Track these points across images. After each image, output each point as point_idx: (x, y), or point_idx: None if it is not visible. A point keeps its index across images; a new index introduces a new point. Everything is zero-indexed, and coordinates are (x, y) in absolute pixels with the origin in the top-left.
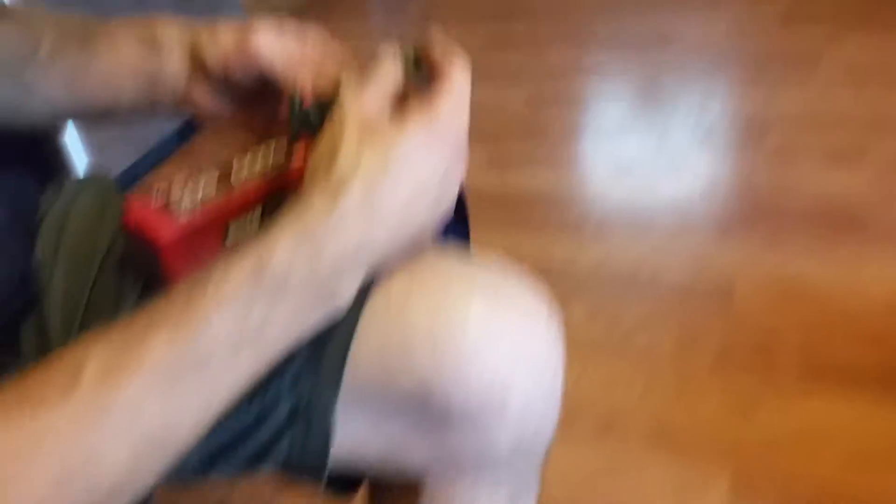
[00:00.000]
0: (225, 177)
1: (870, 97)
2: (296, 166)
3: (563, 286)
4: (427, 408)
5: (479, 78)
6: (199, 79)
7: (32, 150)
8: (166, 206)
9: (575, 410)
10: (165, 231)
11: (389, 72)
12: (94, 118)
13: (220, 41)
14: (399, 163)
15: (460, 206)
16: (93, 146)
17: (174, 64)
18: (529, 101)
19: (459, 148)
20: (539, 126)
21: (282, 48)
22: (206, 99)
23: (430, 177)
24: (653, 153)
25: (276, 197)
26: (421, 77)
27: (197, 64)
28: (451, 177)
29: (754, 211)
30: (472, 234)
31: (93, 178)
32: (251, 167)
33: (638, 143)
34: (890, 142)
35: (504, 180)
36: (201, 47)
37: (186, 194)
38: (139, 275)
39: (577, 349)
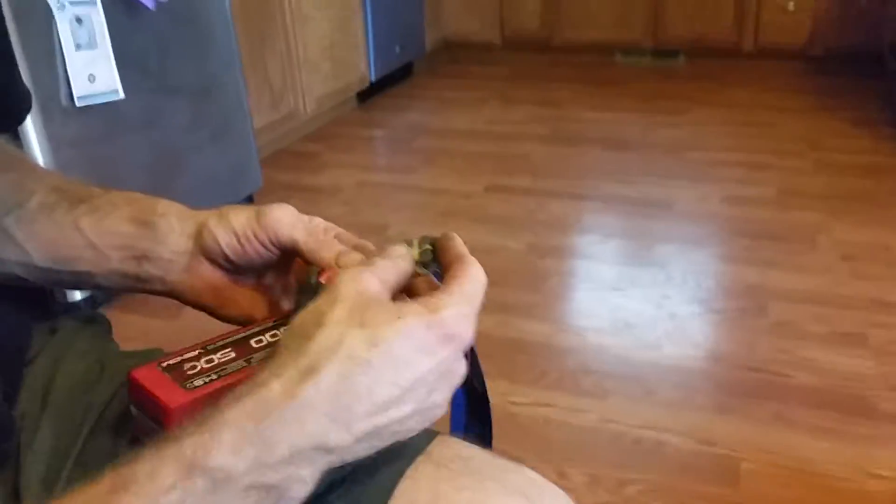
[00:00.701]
0: (242, 350)
1: (867, 278)
2: None
3: (562, 446)
4: None
5: (479, 221)
6: (201, 261)
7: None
8: (178, 373)
9: None
10: (176, 396)
11: (399, 257)
12: (71, 282)
13: (232, 221)
14: (385, 356)
15: (482, 403)
16: None
17: (167, 249)
18: (530, 249)
19: (459, 355)
20: (539, 274)
21: (302, 223)
22: (209, 274)
23: (418, 382)
24: (653, 313)
25: None
26: (433, 272)
27: (199, 248)
28: (442, 387)
29: (759, 386)
30: None
31: (86, 321)
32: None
33: (638, 301)
34: (892, 325)
35: (502, 327)
36: (209, 230)
37: (201, 364)
38: (138, 438)
39: None
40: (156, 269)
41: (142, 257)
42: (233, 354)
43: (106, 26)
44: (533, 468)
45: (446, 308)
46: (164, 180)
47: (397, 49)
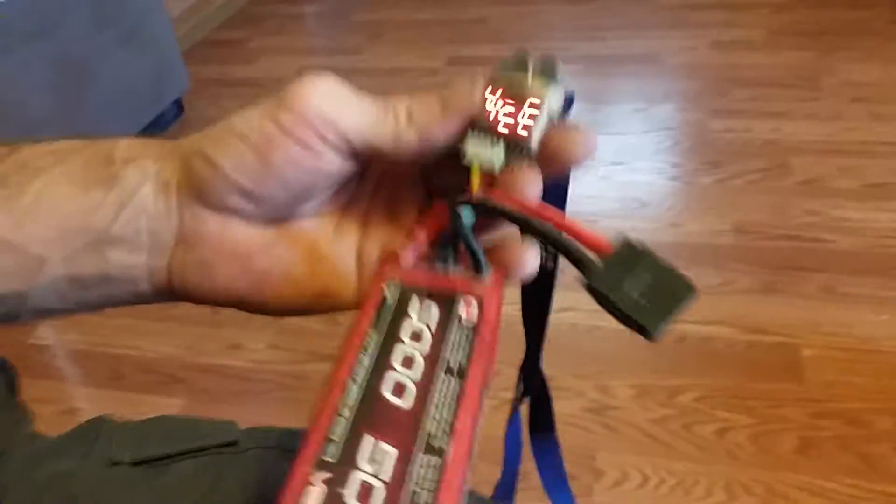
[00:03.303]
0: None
1: (885, 120)
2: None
3: (596, 356)
4: None
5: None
6: (204, 218)
7: None
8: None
9: None
10: None
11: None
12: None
13: (237, 127)
14: None
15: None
16: None
17: (145, 214)
18: None
19: None
20: None
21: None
22: (222, 233)
23: None
24: (666, 185)
25: None
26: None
27: (194, 192)
28: None
29: (799, 256)
30: None
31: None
32: None
33: (647, 174)
34: None
35: None
36: (202, 156)
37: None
38: None
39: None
40: (132, 255)
41: (104, 242)
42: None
43: None
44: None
45: None
46: (71, 99)
47: None
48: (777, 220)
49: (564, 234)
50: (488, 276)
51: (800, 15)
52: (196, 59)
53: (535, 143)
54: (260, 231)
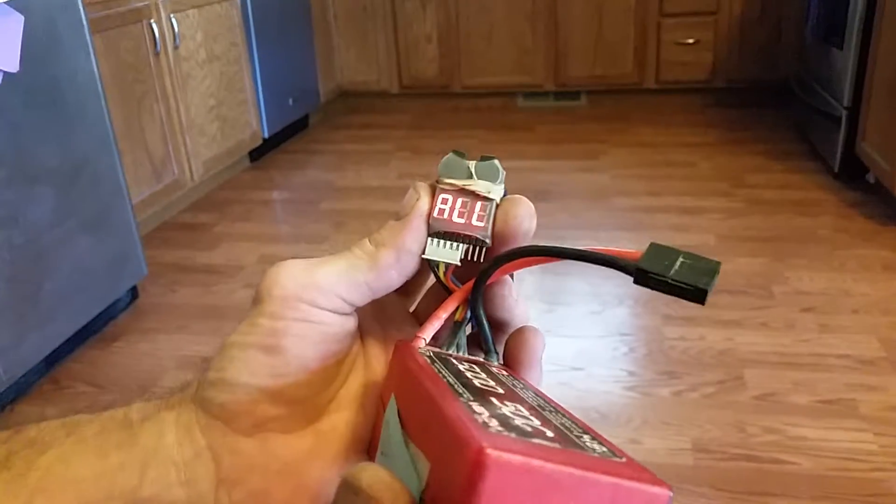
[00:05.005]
0: None
1: (835, 332)
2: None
3: None
4: None
5: None
6: (234, 444)
7: None
8: None
9: None
10: None
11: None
12: None
13: (246, 339)
14: None
15: None
16: None
17: (170, 465)
18: None
19: None
20: None
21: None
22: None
23: None
24: (623, 395)
25: None
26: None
27: (221, 423)
28: None
29: (759, 480)
30: None
31: None
32: None
33: (603, 381)
34: (877, 387)
35: None
36: (212, 379)
37: None
38: None
39: None
40: None
41: None
42: None
43: None
44: None
45: None
46: (24, 289)
47: (290, 101)
48: (736, 439)
49: (597, 252)
50: (496, 361)
51: (750, 220)
52: (157, 243)
53: (489, 235)
54: (299, 437)
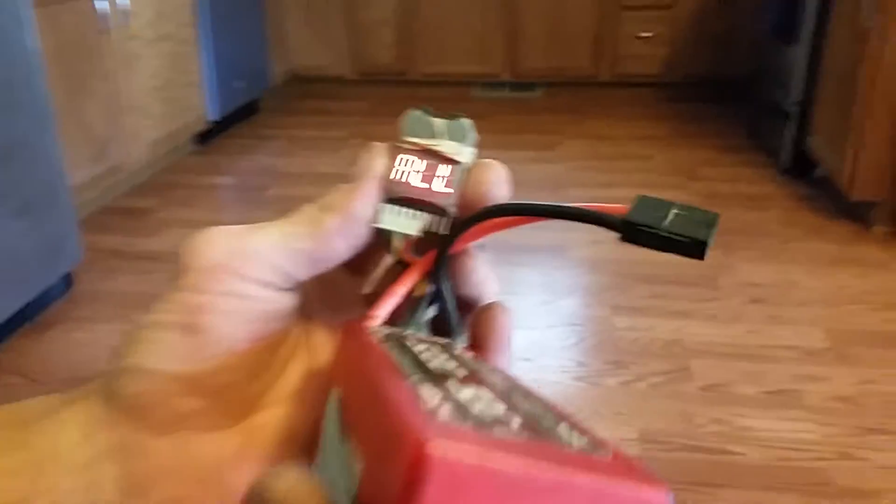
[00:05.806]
0: None
1: (782, 323)
2: None
3: None
4: None
5: None
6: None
7: None
8: None
9: None
10: None
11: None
12: None
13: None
14: None
15: None
16: None
17: (65, 470)
18: None
19: None
20: None
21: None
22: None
23: None
24: (572, 385)
25: None
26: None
27: (132, 418)
28: None
29: (707, 470)
30: None
31: None
32: None
33: (554, 372)
34: (821, 377)
35: None
36: (126, 372)
37: None
38: None
39: None
40: None
41: None
42: None
43: None
44: None
45: None
46: None
47: (241, 84)
48: (683, 430)
49: (579, 207)
50: (461, 343)
51: None
52: (96, 228)
53: (455, 203)
54: (224, 436)
